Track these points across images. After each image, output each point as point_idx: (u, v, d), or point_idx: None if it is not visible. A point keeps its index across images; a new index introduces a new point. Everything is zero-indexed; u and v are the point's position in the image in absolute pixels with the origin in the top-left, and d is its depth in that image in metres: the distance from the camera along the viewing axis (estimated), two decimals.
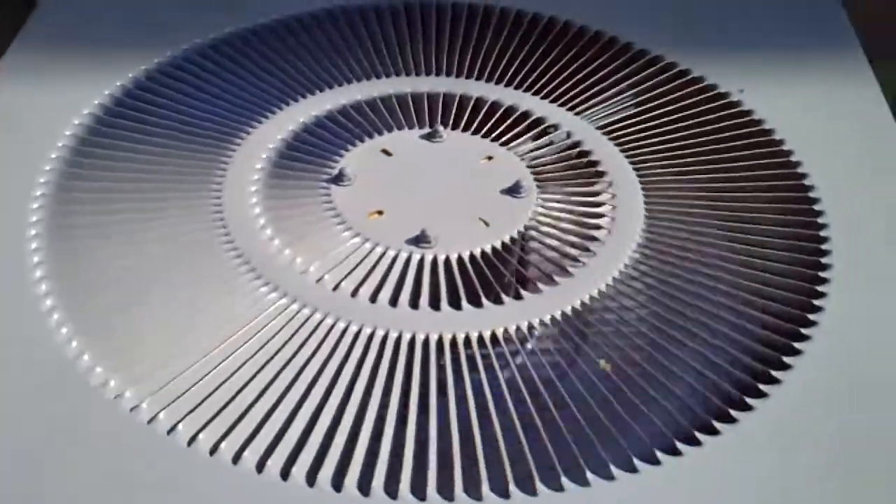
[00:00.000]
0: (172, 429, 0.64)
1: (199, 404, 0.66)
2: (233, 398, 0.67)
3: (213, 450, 0.63)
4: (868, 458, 0.66)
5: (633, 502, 0.62)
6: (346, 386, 0.68)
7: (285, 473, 0.62)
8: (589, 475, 0.63)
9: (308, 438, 0.64)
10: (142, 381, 0.67)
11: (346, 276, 0.76)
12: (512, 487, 0.62)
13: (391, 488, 0.62)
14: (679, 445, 0.65)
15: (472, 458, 0.64)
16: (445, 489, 0.62)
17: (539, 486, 0.62)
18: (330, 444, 0.64)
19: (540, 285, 0.77)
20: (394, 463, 0.63)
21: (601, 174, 0.88)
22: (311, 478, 0.62)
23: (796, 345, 0.72)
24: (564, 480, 0.63)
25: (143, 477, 0.62)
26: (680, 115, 0.94)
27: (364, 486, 0.62)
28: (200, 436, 0.64)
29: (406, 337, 0.72)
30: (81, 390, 0.66)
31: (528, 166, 0.87)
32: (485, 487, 0.62)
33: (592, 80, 0.97)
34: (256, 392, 0.67)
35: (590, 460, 0.64)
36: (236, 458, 0.63)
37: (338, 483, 0.62)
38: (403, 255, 0.78)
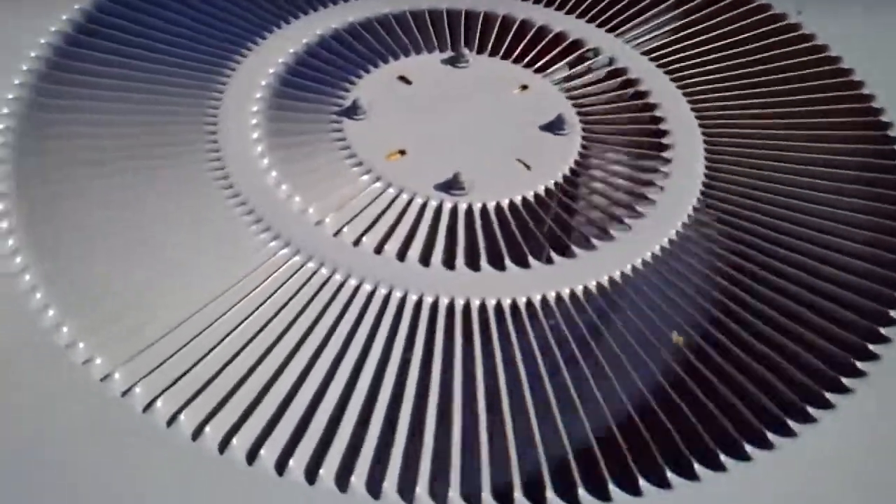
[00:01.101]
0: (174, 418, 0.53)
1: (203, 389, 0.55)
2: (244, 379, 0.56)
3: (223, 445, 0.53)
4: None
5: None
6: (377, 359, 0.58)
7: (311, 475, 0.52)
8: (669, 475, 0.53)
9: (339, 424, 0.54)
10: (132, 362, 0.56)
11: (368, 229, 0.65)
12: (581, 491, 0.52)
13: (439, 477, 0.52)
14: (770, 436, 0.55)
15: (531, 440, 0.53)
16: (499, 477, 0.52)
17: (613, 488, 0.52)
18: (363, 437, 0.53)
19: (593, 241, 0.66)
20: (440, 452, 0.53)
21: (651, 107, 0.77)
22: (343, 482, 0.51)
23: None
24: (642, 482, 0.53)
25: (118, 454, 0.52)
26: (733, 38, 0.83)
27: (406, 484, 0.51)
28: (207, 428, 0.53)
29: (443, 302, 0.61)
30: (53, 356, 0.55)
31: (569, 97, 0.76)
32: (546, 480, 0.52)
33: None
34: (273, 369, 0.56)
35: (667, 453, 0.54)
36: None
37: (374, 487, 0.51)
38: (433, 204, 0.67)
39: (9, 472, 0.50)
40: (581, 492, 0.52)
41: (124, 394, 0.54)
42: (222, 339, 0.57)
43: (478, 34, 0.81)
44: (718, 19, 0.84)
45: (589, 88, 0.78)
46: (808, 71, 0.80)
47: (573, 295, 0.62)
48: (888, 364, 0.60)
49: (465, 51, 0.78)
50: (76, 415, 0.53)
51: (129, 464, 0.51)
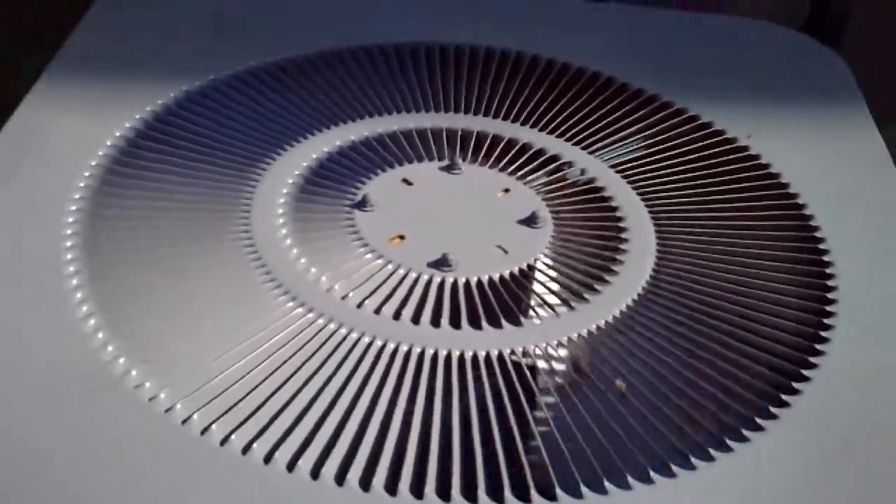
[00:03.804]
0: (206, 429, 0.66)
1: (233, 406, 0.68)
2: (265, 402, 0.69)
3: (246, 449, 0.65)
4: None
5: None
6: (371, 395, 0.70)
7: (315, 473, 0.64)
8: (606, 484, 0.65)
9: (337, 440, 0.67)
10: (176, 384, 0.69)
11: (370, 295, 0.79)
12: (533, 493, 0.64)
13: (417, 490, 0.64)
14: (693, 460, 0.68)
15: (494, 463, 0.66)
16: (469, 492, 0.64)
17: (559, 493, 0.64)
18: (358, 446, 0.66)
19: (557, 310, 0.80)
20: (419, 467, 0.65)
21: (614, 209, 0.91)
22: (340, 477, 0.64)
23: (805, 372, 0.75)
24: (583, 488, 0.65)
25: (174, 474, 0.64)
26: (690, 157, 0.97)
27: (391, 487, 0.64)
28: (233, 437, 0.66)
29: (429, 353, 0.74)
30: (118, 395, 0.68)
31: (544, 199, 0.91)
32: (506, 492, 0.64)
33: (605, 121, 1.01)
34: (287, 398, 0.69)
35: (607, 470, 0.66)
36: (267, 459, 0.65)
37: (366, 483, 0.64)
38: (425, 277, 0.81)
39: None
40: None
41: (167, 411, 0.67)
42: (249, 372, 0.71)
43: (471, 148, 0.96)
44: (678, 140, 0.99)
45: (562, 192, 0.92)
46: (751, 184, 0.95)
47: (536, 349, 0.76)
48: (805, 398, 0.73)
49: (459, 160, 0.93)
50: (131, 427, 0.66)
51: (168, 462, 0.64)
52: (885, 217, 0.93)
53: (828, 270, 0.85)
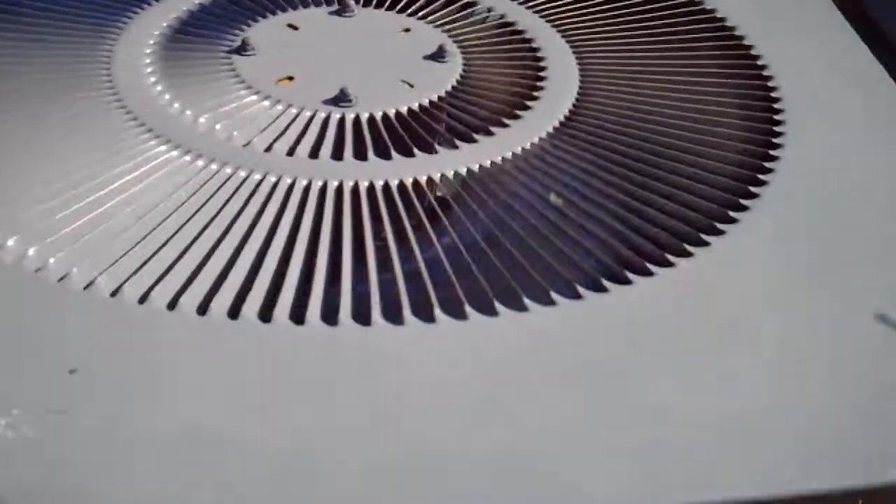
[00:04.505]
0: (91, 283, 0.55)
1: (128, 253, 0.58)
2: (163, 246, 0.58)
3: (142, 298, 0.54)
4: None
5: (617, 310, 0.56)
6: (267, 231, 0.60)
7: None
8: (552, 295, 0.55)
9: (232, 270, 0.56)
10: (48, 238, 0.57)
11: (257, 134, 0.67)
12: (468, 309, 0.54)
13: (330, 318, 0.53)
14: (629, 275, 0.59)
15: (420, 284, 0.55)
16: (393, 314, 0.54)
17: (499, 306, 0.54)
18: (256, 275, 0.55)
19: (476, 136, 0.69)
20: (329, 292, 0.55)
21: (528, 41, 0.81)
22: (234, 311, 0.53)
23: (752, 188, 0.66)
24: (525, 300, 0.55)
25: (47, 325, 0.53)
26: None
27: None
28: (126, 286, 0.55)
29: (332, 185, 0.63)
30: None
31: (451, 36, 0.80)
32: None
33: None
34: (187, 240, 0.59)
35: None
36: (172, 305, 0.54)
37: (266, 315, 0.53)
38: (321, 115, 0.70)
39: None
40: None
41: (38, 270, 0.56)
42: (143, 217, 0.60)
43: None
44: None
45: (470, 28, 0.82)
46: (673, 10, 0.85)
47: (456, 174, 0.65)
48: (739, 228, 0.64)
49: (352, 2, 0.82)
50: None
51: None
52: (819, 37, 0.85)
53: (770, 84, 0.77)
